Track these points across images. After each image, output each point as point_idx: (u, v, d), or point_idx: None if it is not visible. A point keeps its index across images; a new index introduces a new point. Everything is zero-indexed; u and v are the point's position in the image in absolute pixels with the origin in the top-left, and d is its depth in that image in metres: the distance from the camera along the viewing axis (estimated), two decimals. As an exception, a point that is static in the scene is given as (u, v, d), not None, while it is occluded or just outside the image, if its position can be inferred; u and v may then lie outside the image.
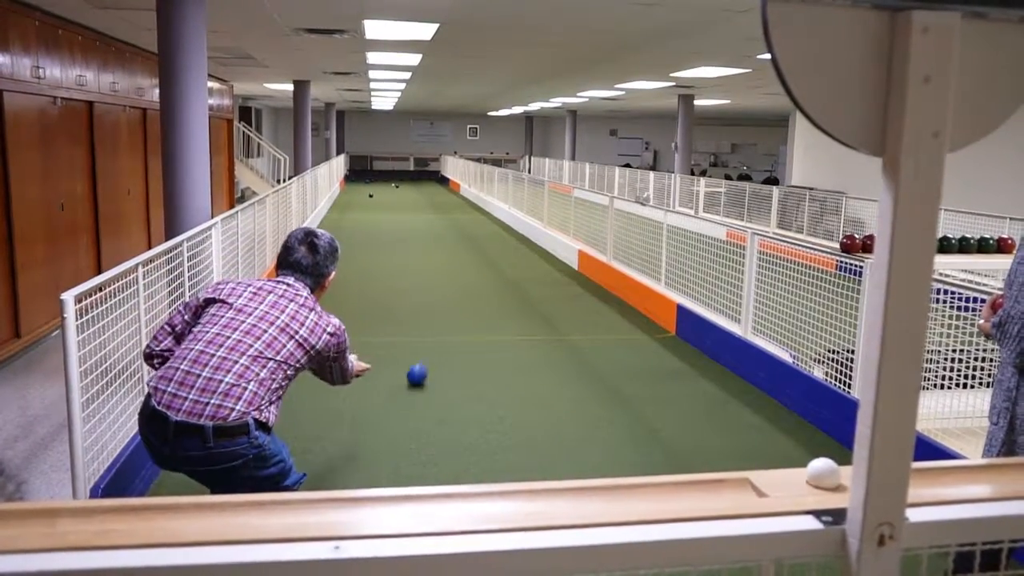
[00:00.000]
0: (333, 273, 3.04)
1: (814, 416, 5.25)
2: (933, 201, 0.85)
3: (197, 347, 2.69)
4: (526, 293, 9.57)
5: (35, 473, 4.25)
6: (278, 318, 2.78)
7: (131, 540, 0.90)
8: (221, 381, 2.60)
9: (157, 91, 9.68)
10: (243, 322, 2.74)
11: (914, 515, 0.92)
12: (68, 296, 3.13)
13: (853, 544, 0.91)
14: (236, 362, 2.64)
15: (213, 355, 2.65)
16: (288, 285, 2.90)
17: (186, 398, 2.57)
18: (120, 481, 3.70)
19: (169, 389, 2.61)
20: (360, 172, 33.50)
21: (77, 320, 3.20)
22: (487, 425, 5.04)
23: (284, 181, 17.14)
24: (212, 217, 6.27)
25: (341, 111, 31.44)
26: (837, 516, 0.94)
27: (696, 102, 18.78)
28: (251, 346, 2.68)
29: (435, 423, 5.04)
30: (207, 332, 2.73)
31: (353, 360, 3.22)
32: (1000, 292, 2.64)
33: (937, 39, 0.81)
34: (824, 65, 0.83)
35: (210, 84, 6.56)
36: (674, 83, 14.99)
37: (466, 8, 7.32)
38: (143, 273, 4.16)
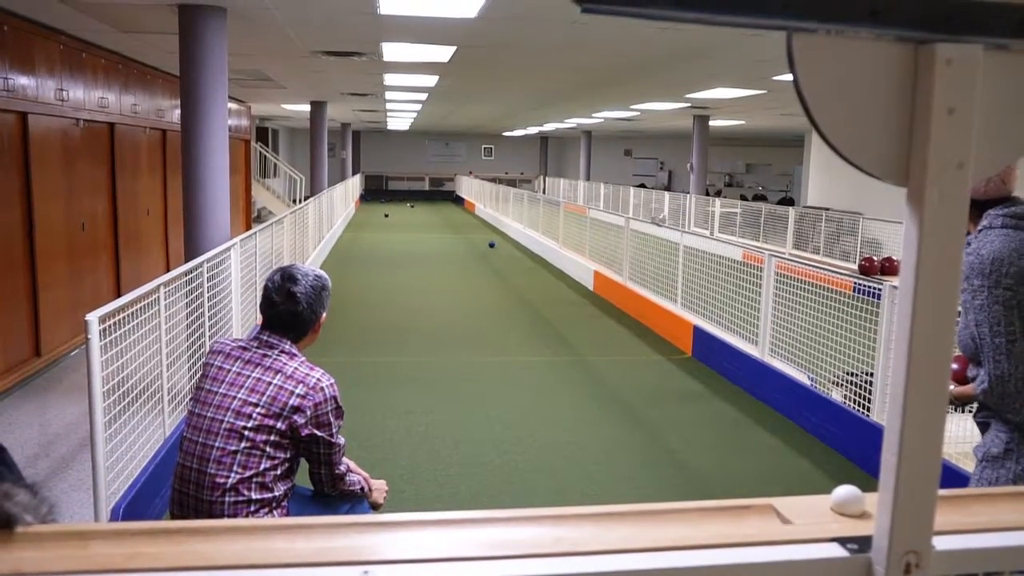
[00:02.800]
0: (324, 315, 2.58)
1: (832, 439, 5.21)
2: (958, 230, 0.86)
3: (179, 460, 2.47)
4: (542, 313, 9.57)
5: (55, 492, 4.28)
6: (234, 399, 2.40)
7: (160, 563, 0.91)
8: (201, 500, 2.38)
9: (177, 112, 9.80)
10: (204, 417, 2.43)
11: (940, 543, 0.92)
12: (92, 317, 3.15)
13: (879, 572, 0.91)
14: (205, 473, 2.38)
15: (191, 468, 2.41)
16: (258, 346, 2.49)
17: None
18: (140, 501, 3.72)
19: (176, 511, 2.49)
20: (375, 192, 33.69)
21: (100, 341, 3.23)
22: (504, 446, 5.04)
23: (300, 201, 17.26)
24: (230, 237, 6.32)
25: (357, 131, 31.67)
26: (862, 544, 0.94)
27: (711, 122, 18.80)
28: (213, 447, 2.37)
29: (452, 443, 5.04)
30: (184, 441, 2.48)
31: (353, 471, 2.70)
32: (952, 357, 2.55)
33: (961, 71, 0.82)
34: (848, 96, 0.84)
35: (228, 105, 6.65)
36: (689, 104, 15.02)
37: (483, 32, 7.39)
38: (164, 294, 4.19)
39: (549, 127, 26.91)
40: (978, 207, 2.44)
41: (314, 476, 2.57)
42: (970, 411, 4.28)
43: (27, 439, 5.16)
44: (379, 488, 2.83)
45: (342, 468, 2.59)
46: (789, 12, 0.78)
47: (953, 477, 3.89)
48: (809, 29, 0.80)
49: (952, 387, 2.49)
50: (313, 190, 16.84)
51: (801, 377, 5.84)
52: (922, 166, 0.83)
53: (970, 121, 0.83)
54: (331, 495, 2.64)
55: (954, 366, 2.47)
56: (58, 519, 1.02)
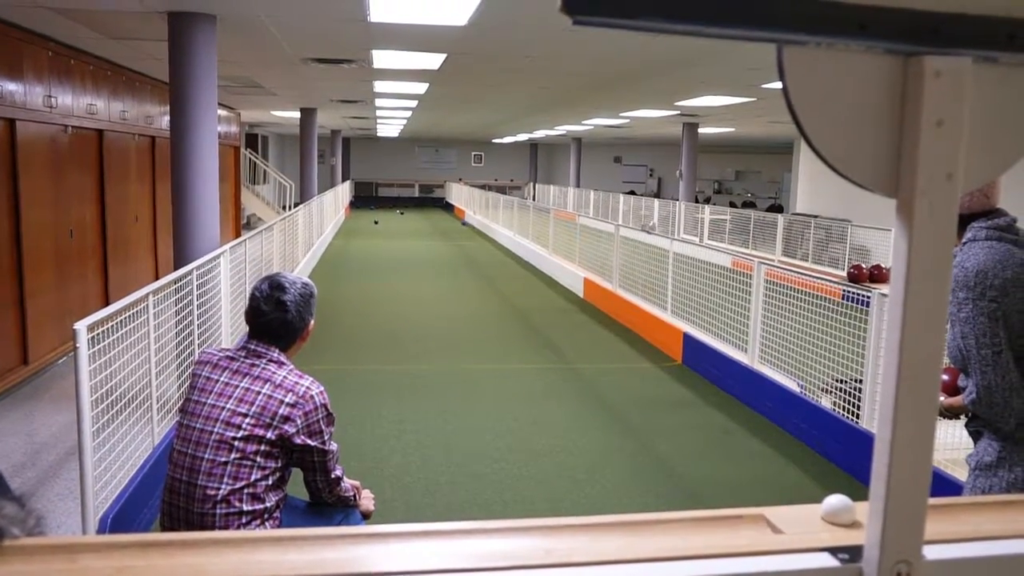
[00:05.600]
0: (311, 323, 2.59)
1: (821, 446, 5.23)
2: (947, 241, 0.86)
3: (169, 472, 2.45)
4: (532, 321, 9.57)
5: (43, 502, 4.25)
6: (223, 410, 2.38)
7: (150, 576, 0.90)
8: (192, 512, 2.37)
9: (166, 119, 9.76)
10: (193, 428, 2.41)
11: (931, 552, 0.92)
12: (81, 326, 3.13)
13: (870, 582, 0.91)
14: (195, 485, 2.35)
15: (181, 480, 2.39)
16: (245, 356, 2.48)
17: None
18: (129, 511, 3.69)
19: (166, 523, 2.46)
20: (365, 199, 33.65)
21: (89, 350, 3.21)
22: (494, 454, 5.03)
23: (290, 208, 17.23)
24: (220, 244, 6.30)
25: (347, 138, 31.65)
26: (853, 553, 0.94)
27: (700, 130, 18.87)
28: (203, 458, 2.36)
29: (443, 452, 5.03)
30: (173, 452, 2.46)
31: (345, 478, 2.67)
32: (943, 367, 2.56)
33: (949, 83, 0.83)
34: (838, 108, 0.84)
35: (218, 112, 6.63)
36: (678, 111, 15.08)
37: (473, 40, 7.41)
38: (153, 302, 4.17)
39: (539, 134, 26.96)
40: (962, 221, 2.46)
41: (309, 484, 2.56)
42: (959, 419, 4.30)
43: (13, 448, 5.12)
44: (368, 496, 2.84)
45: (337, 472, 2.58)
46: (779, 25, 0.78)
47: (944, 485, 3.90)
48: (799, 42, 0.80)
49: (942, 398, 2.50)
50: (303, 197, 16.82)
51: (791, 384, 5.86)
52: (911, 178, 0.84)
53: (959, 133, 0.83)
54: (325, 504, 2.63)
55: (944, 377, 2.48)
56: (46, 531, 1.02)
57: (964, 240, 2.45)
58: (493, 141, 33.49)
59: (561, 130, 23.84)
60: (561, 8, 0.73)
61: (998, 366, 2.28)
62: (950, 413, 2.55)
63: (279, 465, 2.42)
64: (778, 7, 0.78)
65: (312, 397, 2.41)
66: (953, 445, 4.24)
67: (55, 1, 5.85)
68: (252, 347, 2.49)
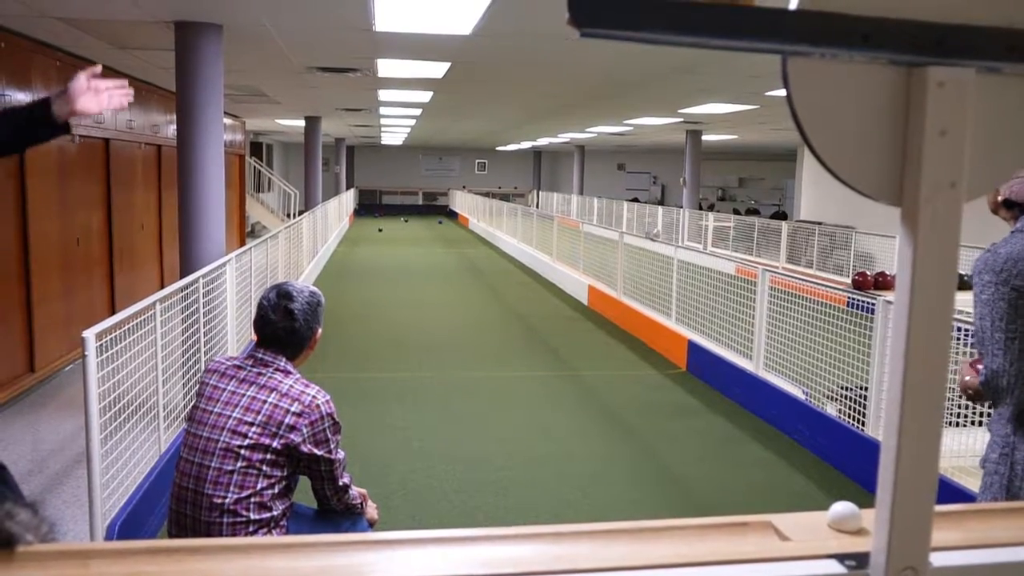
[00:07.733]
0: (319, 331, 2.59)
1: (827, 453, 5.22)
2: (951, 249, 0.87)
3: (176, 480, 2.45)
4: (536, 328, 9.58)
5: (50, 509, 4.26)
6: (229, 418, 2.39)
7: (162, 582, 0.91)
8: (199, 520, 2.38)
9: (172, 128, 9.79)
10: (199, 437, 2.41)
11: (937, 559, 0.93)
12: (89, 334, 3.15)
13: (877, 589, 0.91)
14: (202, 494, 2.36)
15: (188, 488, 2.39)
16: (252, 364, 2.48)
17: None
18: (136, 518, 3.70)
19: (174, 532, 2.47)
20: (369, 206, 33.71)
21: (97, 357, 3.22)
22: (497, 461, 5.03)
23: (294, 216, 17.27)
24: (226, 252, 6.32)
25: (351, 146, 31.68)
26: (860, 560, 0.95)
27: (704, 137, 18.88)
28: (209, 467, 2.36)
29: (447, 459, 5.03)
30: (180, 461, 2.47)
31: (353, 486, 2.67)
32: (974, 358, 2.59)
33: (952, 93, 0.83)
34: (843, 119, 0.85)
35: (224, 120, 6.67)
36: (682, 119, 15.09)
37: (477, 48, 7.43)
38: (160, 310, 4.19)
39: (542, 141, 27.00)
40: (1021, 209, 2.47)
41: (318, 492, 2.57)
42: (973, 423, 4.29)
43: (20, 455, 5.13)
44: (371, 506, 2.86)
45: (345, 480, 2.58)
46: (784, 37, 0.79)
47: (950, 492, 3.90)
48: (804, 53, 0.81)
49: (967, 378, 2.51)
50: (307, 205, 16.85)
51: (796, 391, 5.85)
52: (915, 186, 0.85)
53: (962, 142, 0.84)
54: (332, 512, 2.63)
55: (980, 366, 2.50)
56: (58, 538, 1.03)
57: (1013, 229, 2.45)
58: (497, 149, 33.53)
59: (565, 137, 23.87)
60: (569, 21, 0.74)
61: (1009, 352, 2.29)
62: (977, 396, 2.55)
63: (285, 474, 2.42)
64: (783, 19, 0.79)
65: (318, 406, 2.42)
66: (960, 452, 4.23)
67: (62, 11, 5.89)
68: (259, 356, 2.49)
